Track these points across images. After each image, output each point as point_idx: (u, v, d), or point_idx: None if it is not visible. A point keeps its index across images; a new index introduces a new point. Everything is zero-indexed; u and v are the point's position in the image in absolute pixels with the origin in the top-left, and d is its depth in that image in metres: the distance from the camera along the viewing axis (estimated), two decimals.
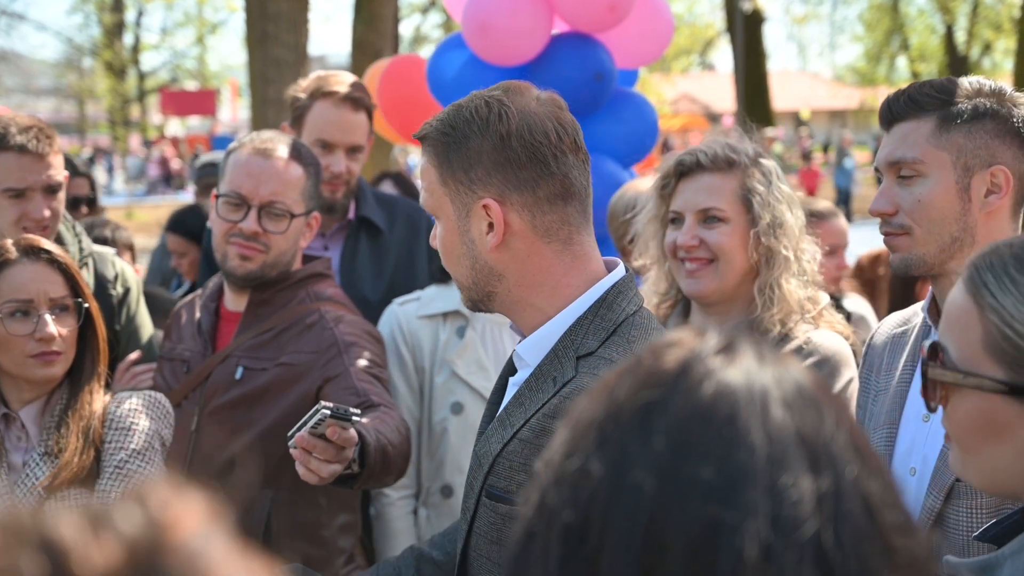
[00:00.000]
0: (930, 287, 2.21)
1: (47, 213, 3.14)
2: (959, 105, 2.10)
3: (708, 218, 2.58)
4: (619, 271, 1.93)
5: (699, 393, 0.82)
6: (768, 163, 2.65)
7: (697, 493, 0.78)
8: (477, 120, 1.85)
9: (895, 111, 2.16)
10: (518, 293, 1.90)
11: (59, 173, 3.20)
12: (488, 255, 1.88)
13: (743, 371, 0.84)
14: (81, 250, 3.34)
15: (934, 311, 2.18)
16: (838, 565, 0.77)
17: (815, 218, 4.26)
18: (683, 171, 2.63)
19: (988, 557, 1.41)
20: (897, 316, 2.38)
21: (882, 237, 2.21)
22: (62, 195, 3.22)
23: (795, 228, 2.59)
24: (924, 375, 1.43)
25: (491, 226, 1.86)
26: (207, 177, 6.20)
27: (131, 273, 3.53)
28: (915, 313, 2.31)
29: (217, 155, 6.62)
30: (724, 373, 0.83)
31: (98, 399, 2.57)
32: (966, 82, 2.14)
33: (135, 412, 2.56)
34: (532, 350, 1.88)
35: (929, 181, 2.11)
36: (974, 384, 1.37)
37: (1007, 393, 1.34)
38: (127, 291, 3.42)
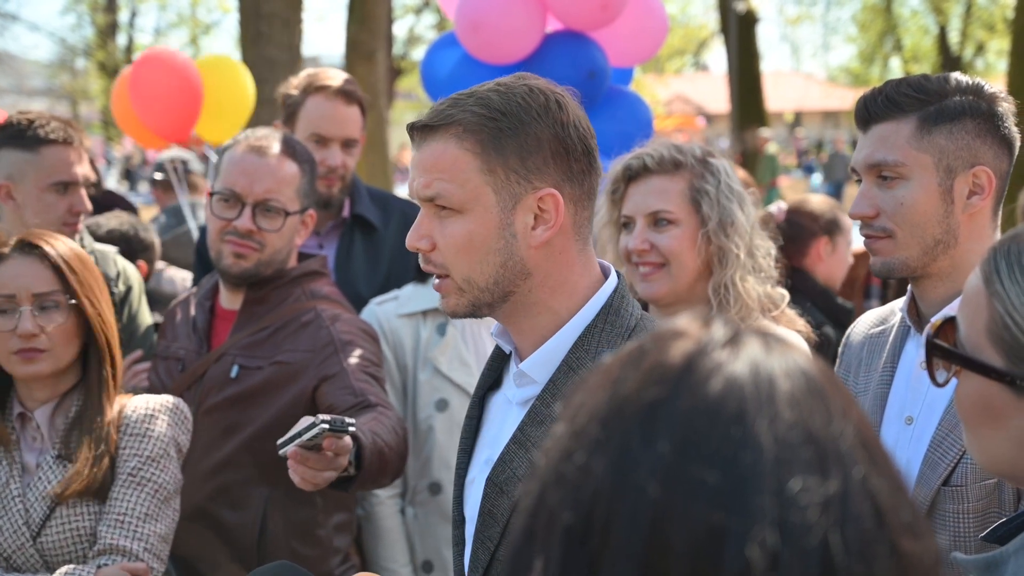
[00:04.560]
0: (909, 287, 2.18)
1: (89, 206, 3.19)
2: (938, 105, 2.06)
3: (658, 221, 2.58)
4: (614, 274, 1.85)
5: (706, 390, 0.80)
6: (717, 162, 2.64)
7: (702, 497, 0.76)
8: (534, 106, 1.72)
9: (872, 111, 2.12)
10: (538, 295, 1.77)
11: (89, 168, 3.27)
12: (527, 251, 1.74)
13: (750, 363, 0.82)
14: (82, 247, 3.35)
15: (913, 311, 2.16)
16: (844, 570, 0.76)
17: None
18: (631, 175, 2.62)
19: (992, 554, 1.39)
20: (873, 315, 2.35)
21: (863, 240, 2.17)
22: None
23: (747, 225, 2.60)
24: (929, 348, 1.42)
25: (536, 219, 1.74)
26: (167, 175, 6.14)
27: (133, 271, 3.54)
28: (892, 312, 2.28)
29: (178, 153, 6.57)
30: (731, 367, 0.81)
31: (113, 405, 2.51)
32: (943, 79, 2.10)
33: (151, 418, 2.51)
34: (539, 366, 1.77)
35: (911, 184, 2.07)
36: (973, 368, 1.36)
37: (1004, 382, 1.33)
38: (129, 289, 3.43)
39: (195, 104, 4.62)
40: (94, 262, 3.33)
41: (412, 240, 1.78)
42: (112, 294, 3.32)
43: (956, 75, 2.13)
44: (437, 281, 1.80)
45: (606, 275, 1.85)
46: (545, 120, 1.72)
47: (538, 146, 1.72)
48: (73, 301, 2.50)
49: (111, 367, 2.54)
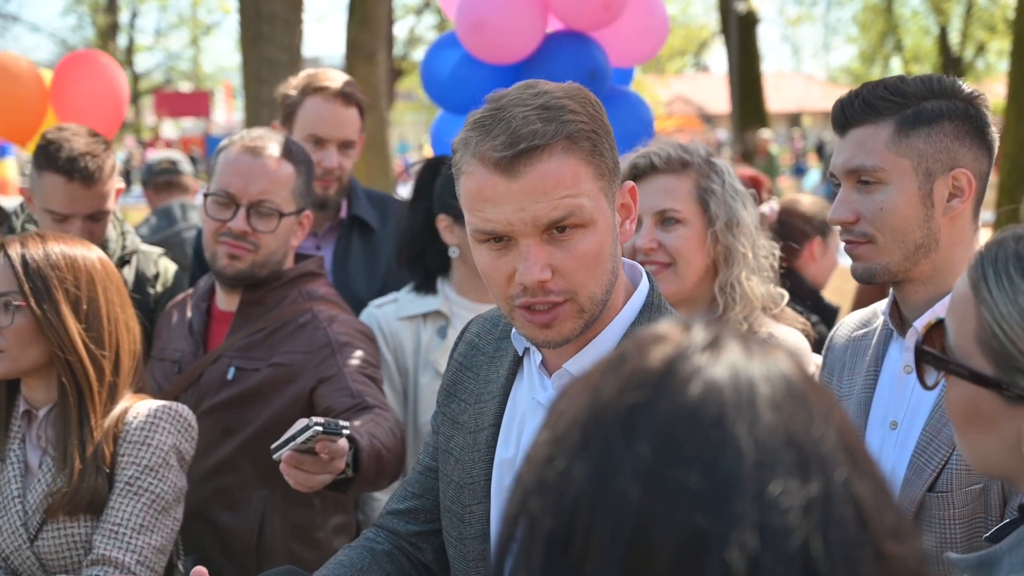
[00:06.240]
0: (891, 290, 2.16)
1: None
2: (916, 108, 2.04)
3: (665, 220, 2.56)
4: (645, 273, 1.82)
5: (685, 394, 0.80)
6: (720, 162, 2.64)
7: (683, 501, 0.76)
8: (594, 104, 1.68)
9: (849, 115, 2.09)
10: (613, 295, 1.71)
11: (106, 202, 3.17)
12: (620, 251, 1.69)
13: (730, 368, 0.82)
14: (124, 247, 3.39)
15: (896, 315, 2.15)
16: (827, 574, 0.75)
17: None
18: (637, 174, 2.60)
19: (986, 552, 1.40)
20: (856, 317, 2.34)
21: (843, 245, 2.16)
22: (108, 216, 3.22)
23: (751, 225, 2.60)
24: (918, 353, 1.42)
25: (620, 215, 1.70)
26: (157, 177, 6.14)
27: (173, 273, 3.53)
28: (875, 315, 2.26)
29: (168, 154, 6.57)
30: (711, 371, 0.81)
31: (104, 414, 2.43)
32: (920, 81, 2.08)
33: (152, 425, 2.44)
34: (584, 366, 1.75)
35: (890, 189, 2.05)
36: (963, 376, 1.36)
37: (992, 388, 1.34)
38: (166, 290, 3.42)
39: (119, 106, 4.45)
40: (135, 261, 3.33)
41: (535, 275, 1.60)
42: (148, 293, 3.37)
43: (933, 76, 2.11)
44: (547, 314, 1.64)
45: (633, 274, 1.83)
46: (605, 117, 1.71)
47: (612, 143, 1.71)
48: (22, 303, 2.40)
49: (88, 376, 2.42)
